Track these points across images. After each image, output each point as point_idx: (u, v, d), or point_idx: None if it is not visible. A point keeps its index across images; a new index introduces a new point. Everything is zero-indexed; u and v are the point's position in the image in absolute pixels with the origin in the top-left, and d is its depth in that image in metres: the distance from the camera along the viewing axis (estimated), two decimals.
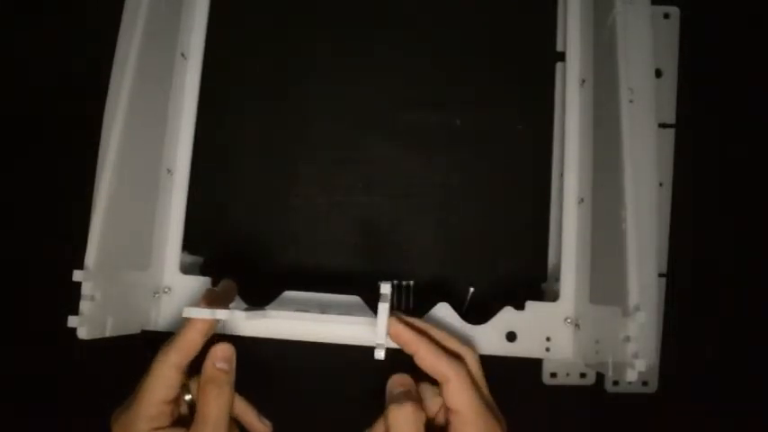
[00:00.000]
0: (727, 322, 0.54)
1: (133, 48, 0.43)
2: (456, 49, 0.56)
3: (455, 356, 0.40)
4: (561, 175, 0.51)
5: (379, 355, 0.39)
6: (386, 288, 0.41)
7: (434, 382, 0.41)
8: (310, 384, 0.54)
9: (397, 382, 0.41)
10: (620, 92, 0.41)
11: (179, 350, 0.39)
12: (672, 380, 0.52)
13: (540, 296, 0.52)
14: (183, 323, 0.40)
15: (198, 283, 0.48)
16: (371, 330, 0.40)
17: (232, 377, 0.40)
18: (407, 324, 0.41)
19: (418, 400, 0.39)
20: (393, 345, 0.44)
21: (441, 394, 0.39)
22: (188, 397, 0.42)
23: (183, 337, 0.39)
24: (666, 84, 0.53)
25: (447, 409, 0.39)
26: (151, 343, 0.42)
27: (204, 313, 0.38)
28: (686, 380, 0.52)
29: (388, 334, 0.40)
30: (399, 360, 0.48)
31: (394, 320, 0.41)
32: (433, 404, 0.41)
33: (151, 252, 0.47)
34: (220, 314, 0.39)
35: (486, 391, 0.40)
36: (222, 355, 0.40)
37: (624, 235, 0.38)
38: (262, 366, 0.53)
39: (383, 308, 0.40)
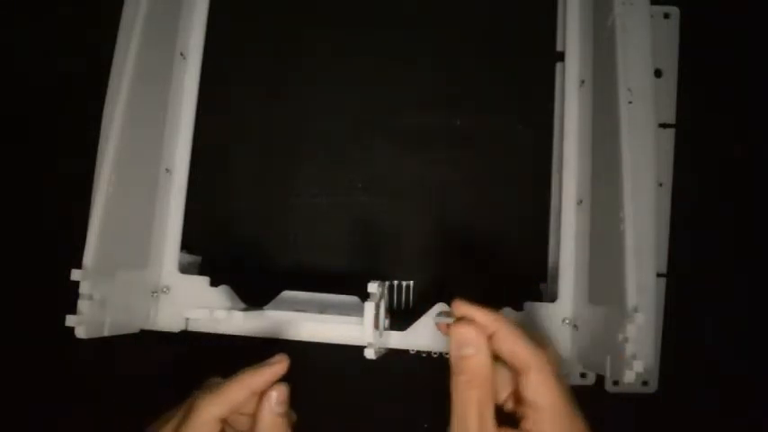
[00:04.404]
0: (727, 322, 0.54)
1: (132, 47, 0.43)
2: (456, 49, 0.56)
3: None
4: (561, 175, 0.51)
5: (369, 354, 0.40)
6: (373, 287, 0.41)
7: None
8: (309, 384, 0.54)
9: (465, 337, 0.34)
10: (619, 93, 0.41)
11: (224, 405, 0.35)
12: (672, 380, 0.52)
13: (538, 297, 0.52)
14: (234, 375, 0.37)
15: (196, 282, 0.48)
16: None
17: (291, 419, 0.37)
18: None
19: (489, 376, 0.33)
20: (385, 344, 0.44)
21: (516, 383, 0.34)
22: None
23: (232, 393, 0.36)
24: (666, 84, 0.53)
25: (519, 399, 0.34)
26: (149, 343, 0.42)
27: (203, 313, 0.39)
28: (686, 380, 0.52)
29: (453, 315, 0.35)
30: (398, 361, 0.48)
31: (458, 301, 0.35)
32: (502, 389, 0.35)
33: (150, 251, 0.47)
34: (218, 314, 0.39)
35: (567, 386, 0.35)
36: (279, 398, 0.36)
37: (622, 236, 0.38)
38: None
39: (369, 307, 0.40)
